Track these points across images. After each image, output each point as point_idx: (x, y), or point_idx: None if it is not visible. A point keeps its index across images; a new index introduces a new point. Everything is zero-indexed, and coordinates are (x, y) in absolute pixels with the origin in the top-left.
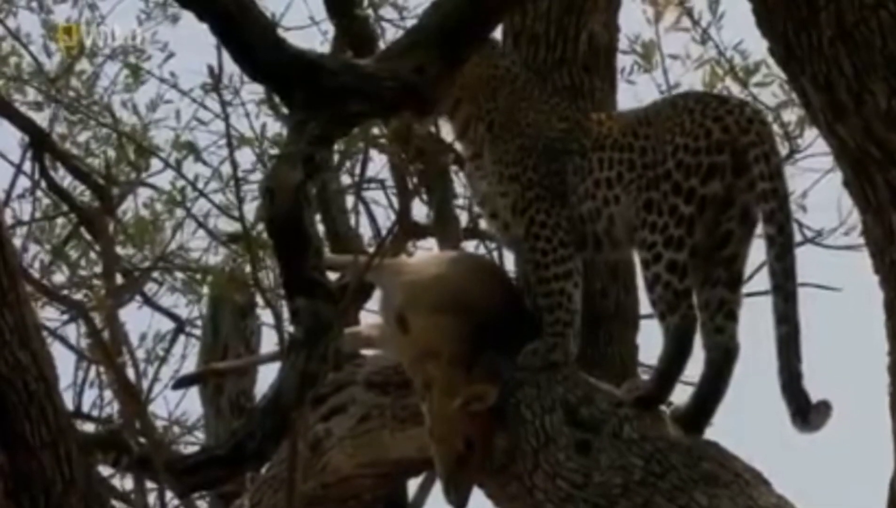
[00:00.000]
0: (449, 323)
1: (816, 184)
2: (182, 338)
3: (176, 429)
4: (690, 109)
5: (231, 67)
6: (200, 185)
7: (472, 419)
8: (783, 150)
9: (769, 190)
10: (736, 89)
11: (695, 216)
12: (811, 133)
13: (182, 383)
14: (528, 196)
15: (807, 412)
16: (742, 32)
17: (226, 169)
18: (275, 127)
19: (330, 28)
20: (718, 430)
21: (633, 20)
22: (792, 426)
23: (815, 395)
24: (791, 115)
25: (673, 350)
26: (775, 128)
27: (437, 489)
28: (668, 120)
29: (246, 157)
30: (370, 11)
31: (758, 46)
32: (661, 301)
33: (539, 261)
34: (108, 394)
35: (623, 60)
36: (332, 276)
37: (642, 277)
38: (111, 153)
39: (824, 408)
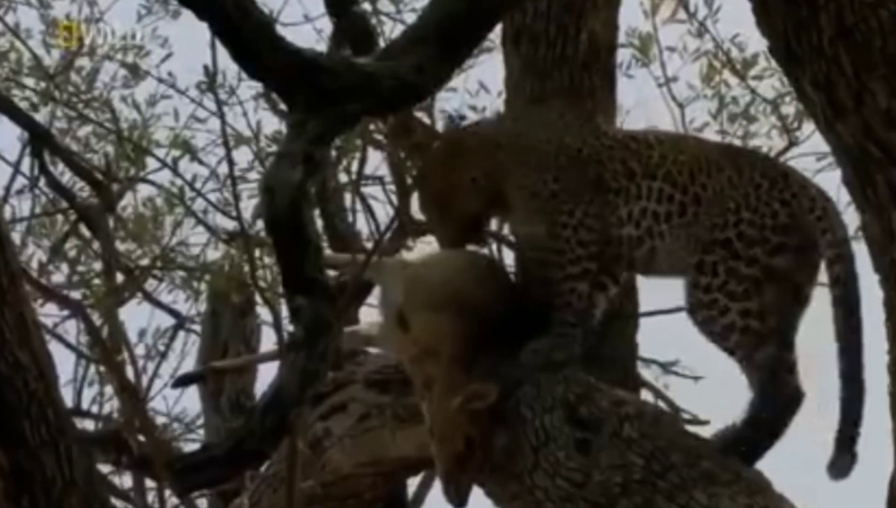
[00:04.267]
0: (449, 322)
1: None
2: (182, 335)
3: (175, 426)
4: (757, 184)
5: (228, 65)
6: (199, 183)
7: (472, 418)
8: (782, 142)
9: (835, 256)
10: (733, 82)
11: (760, 279)
12: (809, 126)
13: (181, 381)
14: (550, 205)
15: (842, 466)
16: (739, 25)
17: (223, 168)
18: (271, 124)
19: (325, 25)
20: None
21: (630, 13)
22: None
23: (813, 392)
24: (789, 107)
25: (765, 390)
26: (773, 120)
27: (437, 487)
28: (729, 183)
29: (243, 155)
30: (368, 6)
31: (755, 39)
32: (741, 346)
33: (554, 261)
34: (108, 389)
35: (621, 54)
36: (332, 274)
37: (710, 338)
38: (111, 149)
39: (850, 460)
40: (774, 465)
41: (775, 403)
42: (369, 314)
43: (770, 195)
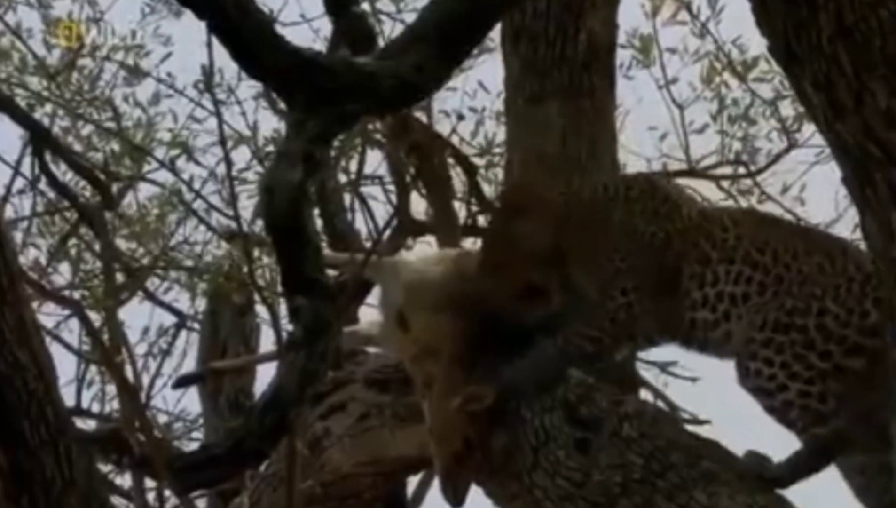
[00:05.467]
0: (449, 322)
1: (813, 176)
2: (184, 333)
3: (178, 425)
4: (850, 277)
5: (227, 65)
6: (198, 182)
7: (470, 418)
8: (781, 144)
9: None
10: (734, 84)
11: (828, 373)
12: (809, 127)
13: (181, 382)
14: (611, 278)
15: None
16: (740, 27)
17: (222, 168)
18: (269, 124)
19: (322, 25)
20: (719, 430)
21: (631, 14)
22: None
23: None
24: (789, 109)
25: (815, 456)
26: (773, 123)
27: (437, 487)
28: (819, 269)
29: (243, 155)
30: (367, 5)
31: (756, 41)
32: (801, 419)
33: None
34: (109, 388)
35: (621, 55)
36: (331, 274)
37: (767, 410)
38: (113, 148)
39: None
40: None
41: (816, 469)
42: (369, 314)
43: (863, 291)
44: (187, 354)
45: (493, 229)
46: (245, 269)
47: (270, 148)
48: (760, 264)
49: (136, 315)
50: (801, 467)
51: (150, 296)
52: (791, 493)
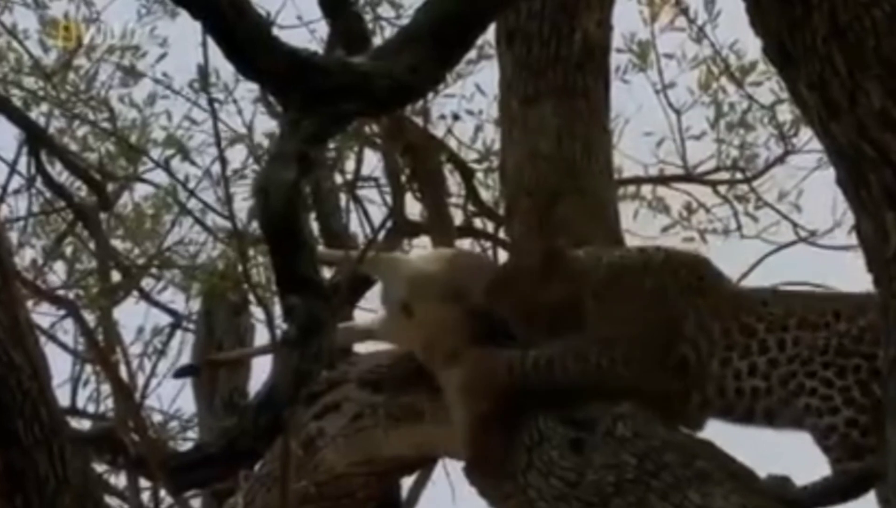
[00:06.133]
0: (457, 312)
1: (810, 183)
2: (179, 333)
3: (172, 424)
4: None
5: (224, 65)
6: (193, 182)
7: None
8: (778, 150)
9: None
10: (731, 89)
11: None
12: (806, 132)
13: (182, 372)
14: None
15: None
16: (737, 32)
17: (217, 168)
18: (266, 125)
19: (319, 27)
20: (715, 430)
21: (628, 19)
22: None
23: None
24: (786, 113)
25: (842, 490)
26: (770, 128)
27: (431, 487)
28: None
29: (239, 154)
30: (367, 9)
31: (753, 45)
32: (838, 449)
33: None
34: (104, 388)
35: (618, 59)
36: (326, 273)
37: (809, 424)
38: (109, 149)
39: None
40: (771, 467)
41: (839, 502)
42: (364, 315)
43: None
44: (182, 354)
45: (519, 288)
46: (240, 268)
47: (266, 145)
48: (822, 325)
49: (130, 316)
50: (824, 495)
51: (146, 296)
52: None
